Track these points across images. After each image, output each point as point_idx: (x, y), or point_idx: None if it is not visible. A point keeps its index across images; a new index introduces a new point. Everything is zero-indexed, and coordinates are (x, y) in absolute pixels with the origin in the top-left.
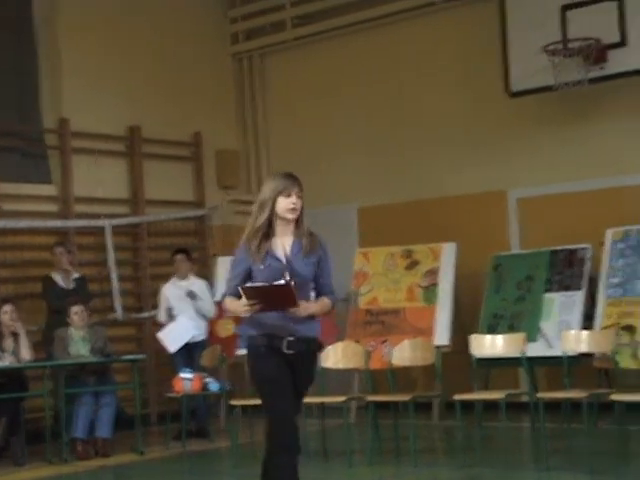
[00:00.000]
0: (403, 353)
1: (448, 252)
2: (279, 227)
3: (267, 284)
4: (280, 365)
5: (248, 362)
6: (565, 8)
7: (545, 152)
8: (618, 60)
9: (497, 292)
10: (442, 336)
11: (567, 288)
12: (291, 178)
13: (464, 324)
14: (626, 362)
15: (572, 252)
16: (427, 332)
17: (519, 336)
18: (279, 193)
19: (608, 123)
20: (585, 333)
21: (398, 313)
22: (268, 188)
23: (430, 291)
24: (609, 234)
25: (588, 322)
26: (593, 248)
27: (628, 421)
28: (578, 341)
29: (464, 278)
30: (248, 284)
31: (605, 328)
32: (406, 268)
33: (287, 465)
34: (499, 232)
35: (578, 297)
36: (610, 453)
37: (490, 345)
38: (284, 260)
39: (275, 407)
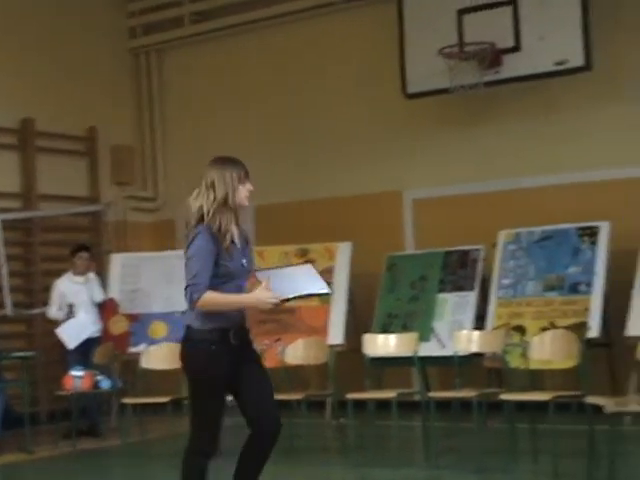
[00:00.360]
0: (297, 352)
1: (343, 251)
2: (238, 216)
3: (287, 265)
4: (229, 364)
5: (191, 357)
6: (461, 12)
7: (441, 154)
8: (512, 64)
9: (391, 292)
10: (336, 335)
11: (460, 288)
12: (242, 163)
13: (358, 323)
14: (516, 362)
15: (465, 253)
16: (321, 331)
17: (412, 336)
18: (239, 180)
19: (503, 126)
20: (476, 333)
21: (293, 312)
22: (227, 173)
23: None
24: (501, 236)
25: (480, 322)
26: (486, 249)
27: (517, 420)
28: (469, 341)
29: (359, 278)
30: (266, 268)
31: (496, 328)
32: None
33: (202, 467)
34: (394, 232)
35: (471, 297)
36: (498, 451)
37: (383, 344)
38: (241, 249)
39: (208, 409)
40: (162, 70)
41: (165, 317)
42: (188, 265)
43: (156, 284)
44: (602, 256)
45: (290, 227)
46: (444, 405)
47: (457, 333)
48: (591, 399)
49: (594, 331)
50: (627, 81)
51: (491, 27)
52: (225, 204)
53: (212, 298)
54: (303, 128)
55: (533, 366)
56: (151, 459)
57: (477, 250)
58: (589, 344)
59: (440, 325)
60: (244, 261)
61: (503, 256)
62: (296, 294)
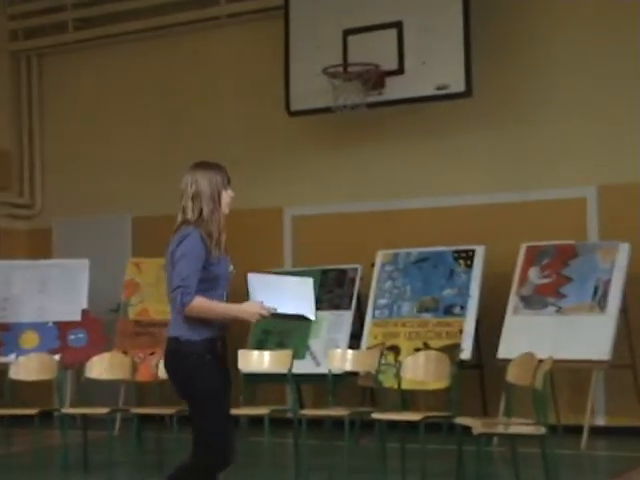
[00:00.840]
0: None
1: None
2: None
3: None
4: (221, 373)
5: (185, 371)
6: (347, 32)
7: (322, 172)
8: (395, 87)
9: None
10: None
11: (336, 307)
12: (225, 168)
13: (235, 339)
14: (389, 382)
15: (343, 272)
16: None
17: (286, 353)
18: (224, 186)
19: (384, 147)
20: (351, 352)
21: (168, 325)
22: (213, 178)
23: None
24: (379, 256)
25: (355, 341)
26: (363, 269)
27: (388, 439)
28: (344, 360)
29: (237, 293)
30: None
31: (371, 348)
32: None
33: None
34: (273, 249)
35: (347, 316)
36: (369, 470)
37: (257, 361)
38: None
39: (215, 422)
40: (43, 75)
41: (37, 327)
42: (177, 265)
43: (29, 293)
44: (477, 279)
45: (167, 240)
46: (317, 423)
47: (332, 351)
48: (460, 420)
49: (467, 353)
50: (505, 108)
51: (376, 49)
52: (213, 209)
53: (202, 304)
54: (185, 141)
55: (405, 386)
56: (16, 472)
57: (354, 269)
58: (462, 366)
59: (315, 343)
60: (231, 267)
61: (380, 276)
62: (284, 311)
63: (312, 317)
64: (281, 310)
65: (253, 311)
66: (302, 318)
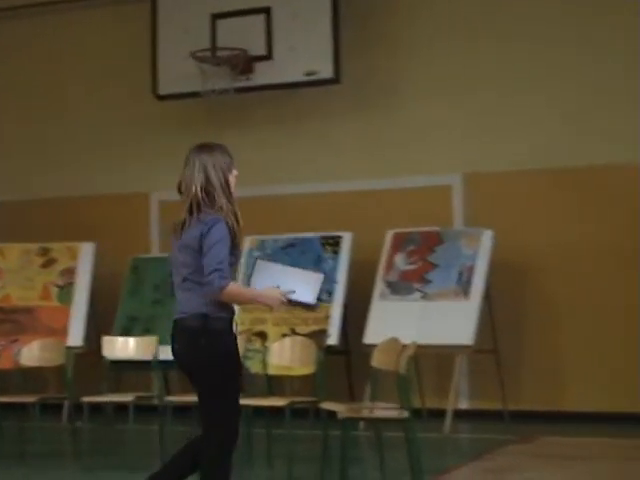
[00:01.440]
0: (32, 353)
1: (86, 252)
2: None
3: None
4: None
5: (216, 348)
6: (215, 17)
7: None
8: (264, 72)
9: (134, 294)
10: (76, 337)
11: None
12: (228, 149)
13: (100, 326)
14: (256, 367)
15: None
16: (61, 332)
17: (152, 339)
18: (229, 169)
19: (252, 133)
20: None
21: (31, 312)
22: (224, 162)
23: (66, 290)
24: (247, 242)
25: None
26: None
27: (255, 424)
28: None
29: (103, 279)
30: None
31: (238, 334)
32: (42, 266)
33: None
34: (140, 234)
35: None
36: (234, 455)
37: (123, 347)
38: None
39: (233, 402)
40: None
41: None
42: (213, 250)
43: None
44: (343, 265)
45: (32, 225)
46: (184, 409)
47: None
48: (325, 405)
49: (333, 338)
50: (372, 96)
51: (244, 34)
52: (228, 197)
53: (236, 289)
54: (48, 124)
55: (272, 372)
56: None
57: None
58: (328, 351)
59: None
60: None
61: (248, 262)
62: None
63: (312, 302)
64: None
65: (275, 296)
66: (305, 305)
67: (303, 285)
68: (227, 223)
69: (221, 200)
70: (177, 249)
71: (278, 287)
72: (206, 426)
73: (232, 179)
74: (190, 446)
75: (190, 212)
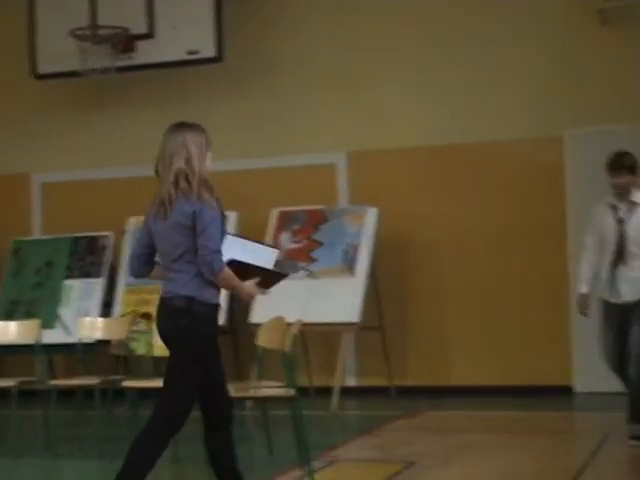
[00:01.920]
0: None
1: None
2: None
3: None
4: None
5: (199, 331)
6: None
7: (72, 137)
8: (146, 51)
9: (16, 277)
10: None
11: (87, 275)
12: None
13: None
14: (142, 349)
15: (93, 239)
16: None
17: (34, 323)
18: (207, 148)
19: (134, 112)
20: (101, 320)
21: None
22: (203, 140)
23: None
24: (131, 222)
25: (108, 309)
26: (115, 236)
27: (142, 406)
28: (94, 328)
29: None
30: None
31: (123, 315)
32: None
33: None
34: (21, 216)
35: (98, 284)
36: (121, 438)
37: (4, 332)
38: None
39: (193, 386)
40: None
41: None
42: (209, 230)
43: None
44: None
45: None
46: (70, 394)
47: (81, 320)
48: None
49: (220, 319)
50: (253, 75)
51: (125, 12)
52: (205, 170)
53: (229, 274)
54: None
55: (157, 353)
56: None
57: (105, 237)
58: None
59: (66, 312)
60: None
61: (131, 243)
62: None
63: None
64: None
65: (251, 292)
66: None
67: (261, 259)
68: (218, 202)
69: (203, 176)
70: (164, 228)
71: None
72: (161, 401)
73: (209, 158)
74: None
75: (175, 188)
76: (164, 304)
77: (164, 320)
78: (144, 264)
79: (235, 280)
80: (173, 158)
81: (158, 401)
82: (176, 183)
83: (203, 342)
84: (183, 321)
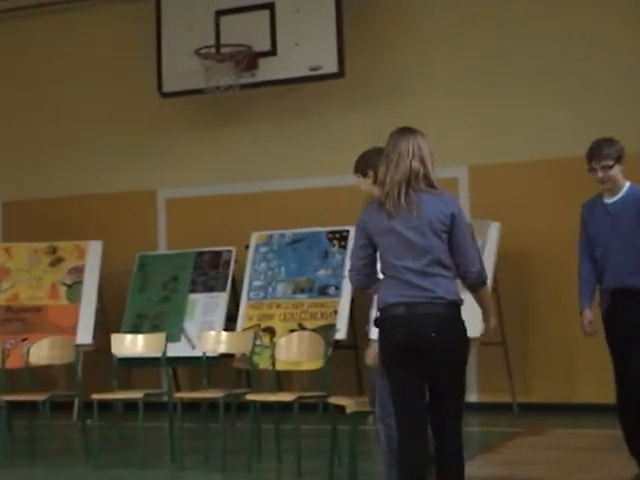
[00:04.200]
0: (41, 351)
1: (93, 250)
2: None
3: None
4: None
5: (465, 339)
6: (219, 13)
7: (195, 154)
8: (268, 68)
9: (142, 292)
10: (85, 335)
11: (211, 289)
12: None
13: (108, 323)
14: (265, 363)
15: (217, 254)
16: (69, 331)
17: (160, 336)
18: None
19: (256, 129)
20: (225, 334)
21: (40, 311)
22: (428, 146)
23: (74, 289)
24: (253, 237)
25: (231, 323)
26: (237, 251)
27: (264, 420)
28: (218, 342)
29: (110, 277)
30: None
31: (246, 329)
32: (50, 265)
33: None
34: (147, 231)
35: (221, 298)
36: (244, 451)
37: (131, 345)
38: None
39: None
40: None
41: None
42: (472, 239)
43: None
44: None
45: (39, 224)
46: (194, 406)
47: (205, 334)
48: (334, 399)
49: (341, 333)
50: (376, 90)
51: (248, 30)
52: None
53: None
54: (54, 123)
55: (280, 367)
56: None
57: (229, 251)
58: (336, 346)
59: (190, 326)
60: None
61: (255, 258)
62: None
63: None
64: None
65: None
66: None
67: None
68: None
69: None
70: (407, 229)
71: None
72: (455, 418)
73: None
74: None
75: (407, 189)
76: (431, 310)
77: (432, 327)
78: (368, 274)
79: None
80: (403, 158)
81: (450, 420)
82: (408, 185)
83: (467, 348)
84: (456, 328)
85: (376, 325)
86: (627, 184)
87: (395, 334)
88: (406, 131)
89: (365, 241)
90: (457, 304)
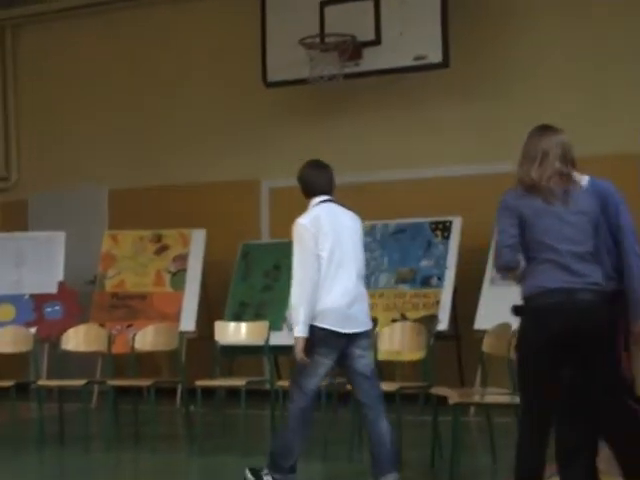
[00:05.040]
0: (146, 338)
1: (197, 238)
2: None
3: None
4: None
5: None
6: (324, 3)
7: (299, 143)
8: (372, 58)
9: (245, 280)
10: (188, 322)
11: None
12: None
13: (211, 311)
14: None
15: None
16: (173, 318)
17: (263, 324)
18: None
19: (360, 119)
20: None
21: (145, 298)
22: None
23: (178, 277)
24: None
25: None
26: None
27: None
28: None
29: (213, 265)
30: None
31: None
32: (155, 253)
33: None
34: (251, 221)
35: None
36: (344, 441)
37: (234, 332)
38: None
39: None
40: (17, 47)
41: (13, 299)
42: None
43: (5, 266)
44: (453, 250)
45: (145, 212)
46: None
47: None
48: (436, 390)
49: (444, 324)
50: (481, 80)
51: (353, 20)
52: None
53: None
54: (160, 113)
55: (382, 357)
56: None
57: None
58: (438, 336)
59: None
60: None
61: None
62: None
63: None
64: None
65: None
66: None
67: None
68: None
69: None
70: (569, 213)
71: None
72: (614, 394)
73: None
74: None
75: (568, 178)
76: (593, 296)
77: (595, 313)
78: (515, 255)
79: None
80: (564, 152)
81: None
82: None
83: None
84: (609, 314)
85: (520, 313)
86: None
87: (554, 322)
88: (547, 129)
89: (515, 220)
90: (607, 290)
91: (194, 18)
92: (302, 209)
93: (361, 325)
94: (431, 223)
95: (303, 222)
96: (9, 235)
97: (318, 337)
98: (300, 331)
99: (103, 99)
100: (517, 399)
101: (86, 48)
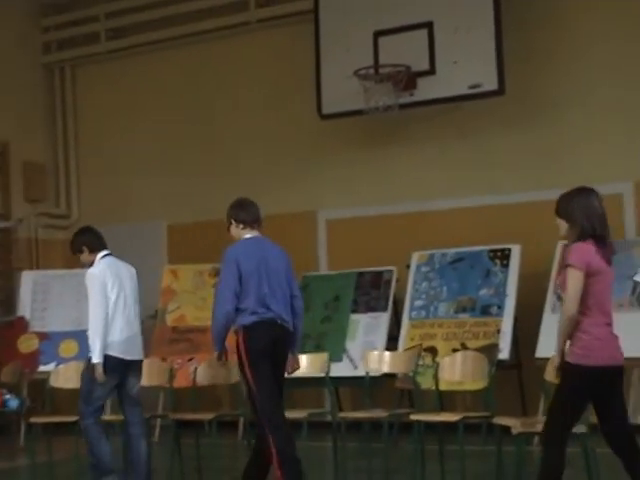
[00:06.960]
0: (207, 371)
1: None
2: None
3: None
4: None
5: None
6: (378, 34)
7: (355, 174)
8: (427, 88)
9: (306, 312)
10: None
11: (372, 309)
12: None
13: None
14: (427, 383)
15: (378, 274)
16: (233, 351)
17: (323, 356)
18: None
19: (416, 148)
20: (388, 354)
21: (205, 331)
22: None
23: None
24: (414, 257)
25: (393, 343)
26: (398, 270)
27: (427, 440)
28: (381, 362)
29: None
30: None
31: (408, 349)
32: (214, 286)
33: None
34: (308, 252)
35: (383, 318)
36: (407, 472)
37: None
38: None
39: None
40: (76, 86)
41: (76, 335)
42: None
43: (67, 302)
44: (513, 278)
45: (203, 246)
46: (356, 425)
47: (368, 353)
48: (499, 420)
49: (505, 352)
50: (537, 107)
51: (407, 50)
52: None
53: None
54: (218, 147)
55: (443, 387)
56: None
57: (390, 271)
58: (500, 365)
59: (352, 346)
60: None
61: (416, 277)
62: None
63: None
64: None
65: None
66: None
67: None
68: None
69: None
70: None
71: None
72: None
73: None
74: None
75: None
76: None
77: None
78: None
79: None
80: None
81: None
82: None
83: None
84: None
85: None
86: None
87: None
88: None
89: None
90: None
91: (249, 52)
92: (359, 240)
93: None
94: (490, 251)
95: None
96: (71, 272)
97: None
98: None
99: (160, 134)
100: (581, 428)
101: (142, 84)
